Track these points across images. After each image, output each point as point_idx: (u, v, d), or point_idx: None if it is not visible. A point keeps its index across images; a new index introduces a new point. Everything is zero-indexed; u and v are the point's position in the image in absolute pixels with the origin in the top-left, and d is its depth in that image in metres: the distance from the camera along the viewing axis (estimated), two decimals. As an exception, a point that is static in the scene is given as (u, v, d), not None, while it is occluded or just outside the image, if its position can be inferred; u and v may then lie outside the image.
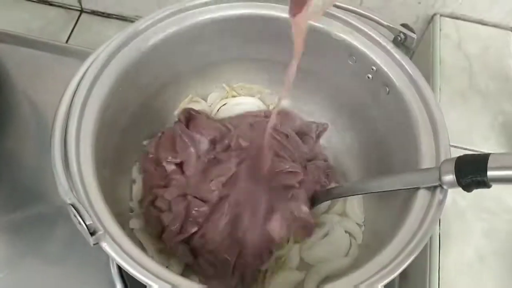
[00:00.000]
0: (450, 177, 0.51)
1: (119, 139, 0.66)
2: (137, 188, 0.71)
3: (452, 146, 0.66)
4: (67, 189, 0.50)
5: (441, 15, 0.82)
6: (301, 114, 0.79)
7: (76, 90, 0.57)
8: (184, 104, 0.77)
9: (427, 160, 0.58)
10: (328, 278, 0.66)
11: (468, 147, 0.68)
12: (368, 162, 0.73)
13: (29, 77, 0.86)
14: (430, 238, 0.60)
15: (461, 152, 0.67)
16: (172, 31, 0.66)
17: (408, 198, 0.57)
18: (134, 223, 0.68)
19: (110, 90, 0.60)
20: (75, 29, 0.99)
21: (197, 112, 0.74)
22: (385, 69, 0.64)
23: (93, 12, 1.01)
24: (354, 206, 0.72)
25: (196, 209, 0.65)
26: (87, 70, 0.59)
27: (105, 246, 0.49)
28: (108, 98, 0.60)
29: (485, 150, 0.67)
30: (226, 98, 0.79)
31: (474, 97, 0.74)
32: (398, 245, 0.52)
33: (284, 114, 0.77)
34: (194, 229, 0.64)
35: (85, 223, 0.47)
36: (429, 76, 0.76)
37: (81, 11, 1.01)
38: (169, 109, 0.77)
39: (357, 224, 0.72)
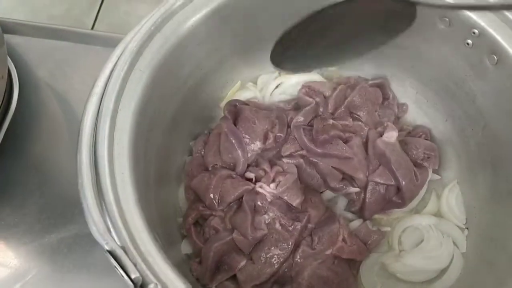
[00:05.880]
0: None
1: (162, 142, 0.54)
2: (183, 201, 0.59)
3: None
4: (103, 230, 0.38)
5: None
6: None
7: (104, 93, 0.45)
8: (233, 93, 0.64)
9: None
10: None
11: None
12: (466, 148, 0.59)
13: (53, 70, 0.74)
14: None
15: None
16: (213, 7, 0.52)
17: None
18: (186, 247, 0.56)
19: (146, 85, 0.48)
20: (100, 11, 0.87)
21: (244, 103, 0.61)
22: (492, 32, 0.50)
23: (120, -10, 0.88)
24: (452, 203, 0.59)
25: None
26: (114, 66, 0.46)
27: (161, 305, 0.37)
28: (145, 96, 0.48)
29: None
30: (279, 77, 0.64)
31: None
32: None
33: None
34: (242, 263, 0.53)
35: (129, 277, 0.36)
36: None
37: (107, -11, 0.89)
38: (215, 100, 0.64)
39: (458, 227, 0.58)
